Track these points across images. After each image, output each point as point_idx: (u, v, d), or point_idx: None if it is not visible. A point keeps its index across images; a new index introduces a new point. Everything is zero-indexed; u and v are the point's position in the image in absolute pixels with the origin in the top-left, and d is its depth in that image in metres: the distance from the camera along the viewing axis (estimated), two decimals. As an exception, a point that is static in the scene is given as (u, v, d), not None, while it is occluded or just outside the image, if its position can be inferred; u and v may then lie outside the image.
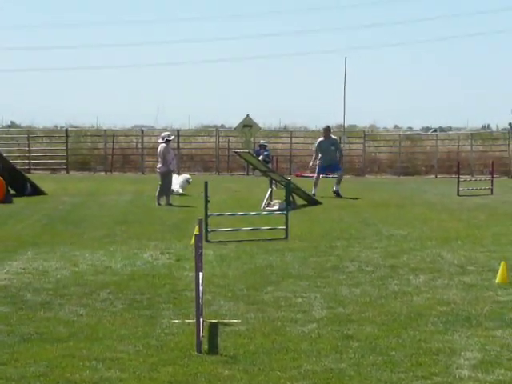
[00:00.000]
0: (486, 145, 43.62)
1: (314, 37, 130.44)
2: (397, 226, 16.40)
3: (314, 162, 25.65)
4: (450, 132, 52.39)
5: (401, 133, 48.92)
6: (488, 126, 69.56)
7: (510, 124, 66.70)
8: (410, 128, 65.97)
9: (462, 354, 7.01)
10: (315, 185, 24.74)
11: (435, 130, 56.04)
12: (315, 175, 25.21)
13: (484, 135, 47.11)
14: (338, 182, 25.06)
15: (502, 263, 10.46)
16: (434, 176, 39.73)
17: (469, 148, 41.75)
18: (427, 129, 63.84)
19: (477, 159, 40.95)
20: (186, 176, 25.76)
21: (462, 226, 16.73)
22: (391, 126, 64.78)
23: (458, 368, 6.60)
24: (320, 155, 25.16)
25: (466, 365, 6.68)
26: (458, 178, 26.68)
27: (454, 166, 33.26)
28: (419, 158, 42.85)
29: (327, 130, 26.01)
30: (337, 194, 24.67)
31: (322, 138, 25.54)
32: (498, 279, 10.32)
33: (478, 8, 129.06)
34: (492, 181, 27.14)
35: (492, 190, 26.53)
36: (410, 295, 9.55)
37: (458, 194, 25.65)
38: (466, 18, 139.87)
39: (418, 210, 20.44)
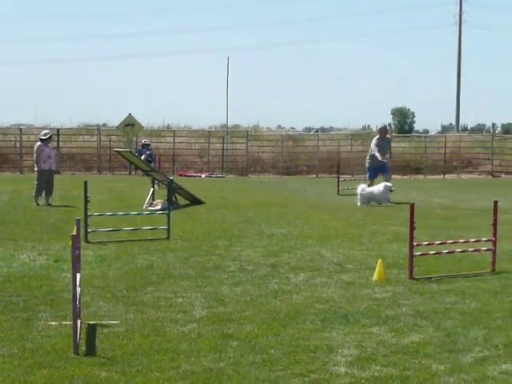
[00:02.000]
0: (365, 145, 44.45)
1: (197, 36, 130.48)
2: (278, 225, 16.55)
3: (382, 157, 23.48)
4: (332, 132, 53.23)
5: (283, 133, 49.38)
6: (368, 126, 71.01)
7: (389, 124, 68.23)
8: (293, 128, 66.75)
9: (339, 351, 7.12)
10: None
11: (317, 131, 56.82)
12: (368, 181, 23.44)
13: (364, 135, 48.03)
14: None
15: (379, 261, 10.67)
16: (315, 175, 40.31)
17: (349, 148, 42.51)
18: (309, 129, 64.73)
19: (356, 159, 41.71)
20: None
21: (342, 224, 17.01)
22: (274, 126, 65.31)
23: (335, 365, 6.69)
24: (371, 156, 23.67)
25: (343, 361, 6.78)
26: (338, 177, 27.17)
27: (334, 165, 33.77)
28: (301, 157, 43.41)
29: (385, 129, 24.43)
30: None
31: (378, 137, 23.78)
32: (375, 277, 10.52)
33: (353, 10, 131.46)
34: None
35: (371, 189, 27.05)
36: (290, 294, 9.64)
37: (338, 194, 26.09)
38: (349, 19, 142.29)
39: (300, 209, 20.67)
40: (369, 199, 21.84)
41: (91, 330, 7.75)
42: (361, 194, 21.97)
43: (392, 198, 22.87)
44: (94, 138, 41.84)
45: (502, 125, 79.56)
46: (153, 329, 7.86)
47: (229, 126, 44.64)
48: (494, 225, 11.29)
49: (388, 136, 24.50)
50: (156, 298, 9.33)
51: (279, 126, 68.49)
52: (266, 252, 12.85)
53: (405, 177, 40.60)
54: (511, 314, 8.55)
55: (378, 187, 22.03)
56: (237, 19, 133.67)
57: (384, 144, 23.81)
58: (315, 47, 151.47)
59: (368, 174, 24.04)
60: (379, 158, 23.46)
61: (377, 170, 23.81)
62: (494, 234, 11.29)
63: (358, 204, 21.71)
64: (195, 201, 21.75)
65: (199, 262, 11.81)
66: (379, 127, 25.20)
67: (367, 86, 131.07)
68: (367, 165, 24.13)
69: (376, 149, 23.41)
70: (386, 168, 23.58)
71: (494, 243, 11.27)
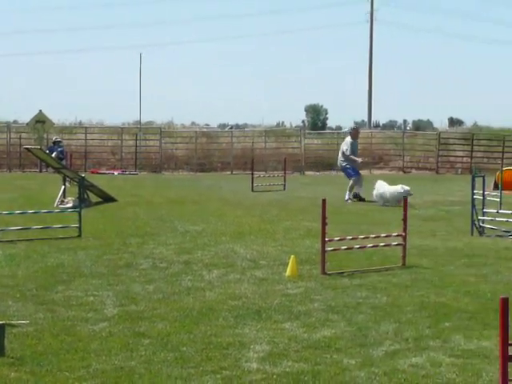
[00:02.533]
0: (279, 141, 44.76)
1: (109, 32, 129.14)
2: (192, 222, 16.49)
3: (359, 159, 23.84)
4: (246, 129, 53.37)
5: (197, 129, 49.31)
6: (282, 123, 71.44)
7: (302, 121, 68.74)
8: (208, 125, 66.65)
9: (252, 347, 7.12)
10: (361, 185, 23.16)
11: (231, 127, 56.89)
12: (351, 180, 23.06)
13: (278, 132, 48.31)
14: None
15: (292, 257, 10.72)
16: (229, 172, 40.36)
17: (263, 145, 42.69)
18: (224, 126, 64.74)
19: (270, 156, 41.93)
20: None
21: (255, 220, 17.05)
22: (189, 123, 65.13)
23: (247, 361, 6.69)
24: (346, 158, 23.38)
25: (255, 357, 6.79)
26: (252, 174, 27.26)
27: (249, 162, 33.87)
28: (215, 154, 43.41)
29: (357, 130, 24.52)
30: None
31: (350, 138, 23.59)
32: (287, 273, 10.57)
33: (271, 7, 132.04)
34: (285, 177, 27.91)
35: (285, 185, 27.27)
36: (203, 290, 9.61)
37: (252, 190, 26.18)
38: (264, 17, 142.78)
39: (214, 205, 20.66)
40: (383, 199, 20.80)
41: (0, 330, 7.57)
42: (375, 195, 21.06)
43: (306, 193, 23.02)
44: (4, 135, 41.07)
45: (413, 121, 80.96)
46: (63, 328, 7.73)
47: (142, 122, 44.33)
48: (404, 220, 11.46)
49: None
50: (66, 296, 9.19)
51: (193, 123, 68.35)
52: (180, 249, 12.79)
53: (317, 173, 40.99)
54: (421, 308, 8.68)
55: (392, 189, 20.90)
56: (149, 16, 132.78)
57: (356, 145, 23.96)
58: (229, 43, 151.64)
59: (348, 174, 23.32)
60: (358, 160, 23.63)
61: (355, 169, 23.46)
62: (404, 229, 11.46)
63: (380, 204, 20.76)
64: (108, 198, 21.53)
65: (111, 260, 11.68)
66: (352, 128, 24.97)
67: (281, 83, 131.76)
68: (344, 164, 23.43)
69: (350, 151, 23.28)
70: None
71: (404, 238, 11.44)
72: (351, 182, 23.00)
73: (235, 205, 21.03)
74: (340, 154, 23.69)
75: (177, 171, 41.32)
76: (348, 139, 23.61)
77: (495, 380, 5.90)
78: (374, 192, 21.33)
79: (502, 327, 4.39)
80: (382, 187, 21.20)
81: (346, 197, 22.62)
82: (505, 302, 4.40)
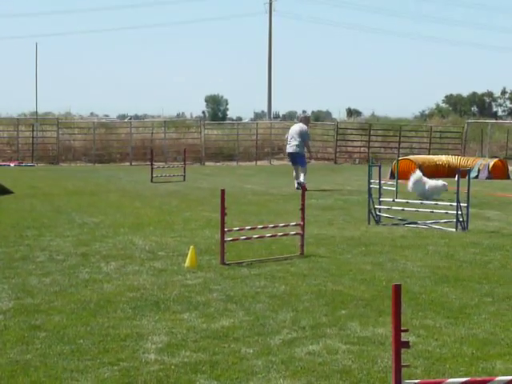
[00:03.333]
0: (179, 132, 44.60)
1: (3, 22, 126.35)
2: (90, 214, 16.30)
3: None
4: (145, 120, 53.00)
5: (95, 120, 48.70)
6: (183, 114, 71.27)
7: (203, 112, 68.71)
8: (107, 116, 66.00)
9: (150, 338, 7.08)
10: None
11: (131, 118, 56.42)
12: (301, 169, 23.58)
13: (177, 123, 48.14)
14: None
15: (191, 247, 10.70)
16: (129, 163, 40.04)
17: (163, 135, 42.47)
18: (124, 116, 64.19)
19: (170, 146, 41.77)
20: None
21: (155, 212, 16.97)
22: (88, 113, 64.33)
23: (145, 352, 6.65)
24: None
25: (153, 348, 6.75)
26: (152, 164, 27.12)
27: (148, 153, 33.64)
28: (114, 145, 42.99)
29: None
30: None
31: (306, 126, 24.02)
32: (186, 263, 10.54)
33: None
34: (184, 167, 27.86)
35: (184, 176, 27.22)
36: (101, 282, 9.50)
37: (151, 181, 26.05)
38: (162, 7, 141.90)
39: (112, 197, 20.46)
40: (421, 191, 20.00)
41: None
42: (412, 186, 20.28)
43: (206, 184, 23.00)
44: None
45: (313, 112, 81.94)
46: (-45, 323, 7.53)
47: (39, 113, 43.51)
48: (302, 209, 11.57)
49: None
50: (-40, 291, 8.95)
51: (92, 114, 67.57)
52: (77, 241, 12.62)
53: (218, 163, 41.04)
54: (318, 296, 8.79)
55: (433, 183, 20.20)
56: (45, 6, 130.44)
57: None
58: (128, 33, 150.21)
59: (302, 162, 23.67)
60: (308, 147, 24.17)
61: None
62: (302, 219, 11.58)
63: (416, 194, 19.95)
64: (3, 190, 21.06)
65: (6, 253, 11.44)
66: (305, 115, 25.68)
67: (181, 74, 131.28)
68: (301, 152, 23.71)
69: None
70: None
71: (303, 227, 11.56)
72: (302, 169, 23.35)
73: (134, 196, 20.88)
74: (294, 141, 23.63)
75: (75, 162, 40.78)
76: (304, 126, 23.79)
77: (389, 366, 6.02)
78: (411, 182, 20.52)
79: (395, 314, 4.47)
80: (422, 179, 20.49)
81: (303, 181, 22.91)
82: (397, 288, 4.48)
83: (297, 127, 23.90)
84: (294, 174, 23.88)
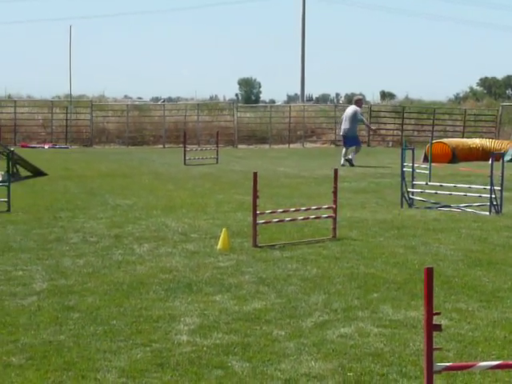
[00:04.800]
0: (212, 115, 44.58)
1: (38, 5, 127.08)
2: (123, 196, 16.39)
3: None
4: (179, 102, 53.04)
5: (129, 103, 48.85)
6: (216, 96, 71.28)
7: (236, 95, 68.68)
8: (140, 98, 66.09)
9: (182, 319, 7.12)
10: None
11: (164, 101, 56.49)
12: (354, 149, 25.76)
13: (210, 105, 48.10)
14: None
15: (224, 230, 10.72)
16: (162, 146, 40.14)
17: (196, 118, 42.50)
18: (157, 99, 64.27)
19: (203, 129, 41.78)
20: None
21: (187, 194, 17.01)
22: (121, 96, 64.53)
23: (177, 334, 6.68)
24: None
25: (185, 330, 6.79)
26: (185, 147, 27.14)
27: (181, 135, 33.68)
28: (147, 128, 43.10)
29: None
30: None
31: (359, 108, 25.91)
32: (219, 246, 10.56)
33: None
34: (217, 150, 27.85)
35: (217, 159, 27.24)
36: (134, 264, 9.56)
37: (184, 164, 26.09)
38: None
39: (145, 179, 20.55)
40: None
41: None
42: None
43: (239, 167, 22.98)
44: None
45: (346, 95, 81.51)
46: (-10, 303, 7.63)
47: (73, 96, 43.72)
48: (335, 192, 11.54)
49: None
50: (-5, 271, 9.06)
51: (126, 96, 67.78)
52: (110, 223, 12.69)
53: (250, 146, 41.03)
54: (350, 279, 8.78)
55: None
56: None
57: None
58: (161, 16, 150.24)
59: (357, 142, 25.91)
60: (372, 127, 29.77)
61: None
62: (335, 202, 11.55)
63: None
64: (38, 172, 21.25)
65: (40, 235, 11.54)
66: (359, 98, 27.34)
67: (214, 57, 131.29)
68: (355, 133, 25.68)
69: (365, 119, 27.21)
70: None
71: (335, 210, 11.53)
72: (352, 149, 25.33)
73: (167, 179, 20.94)
74: (344, 123, 25.38)
75: (108, 145, 40.94)
76: (357, 108, 25.43)
77: (421, 349, 6.00)
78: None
79: (427, 297, 4.46)
80: None
81: (351, 158, 25.13)
82: (430, 272, 4.47)
83: (349, 110, 25.66)
84: (343, 151, 25.47)
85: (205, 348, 6.31)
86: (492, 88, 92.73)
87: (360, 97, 28.43)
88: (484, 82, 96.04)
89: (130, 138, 41.23)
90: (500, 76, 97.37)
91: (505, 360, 5.87)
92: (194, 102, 47.44)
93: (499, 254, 10.26)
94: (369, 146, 41.22)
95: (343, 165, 24.31)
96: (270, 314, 7.33)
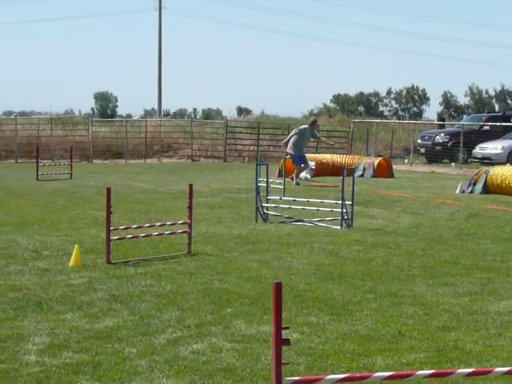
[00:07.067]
0: (66, 129, 43.86)
1: None
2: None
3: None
4: (32, 117, 51.93)
5: (-20, 116, 47.43)
6: (71, 110, 70.21)
7: (92, 109, 67.91)
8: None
9: (31, 339, 6.94)
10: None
11: (16, 115, 55.19)
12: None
13: (65, 120, 47.35)
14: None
15: (76, 246, 10.53)
16: (14, 161, 39.15)
17: (49, 132, 41.69)
18: (10, 113, 62.73)
19: (57, 144, 41.00)
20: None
21: (40, 210, 16.64)
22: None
23: (26, 354, 6.51)
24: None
25: (34, 350, 6.62)
26: (37, 162, 26.59)
27: (34, 150, 32.94)
28: (-1, 142, 41.95)
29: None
30: None
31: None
32: (71, 263, 10.37)
33: None
34: (71, 165, 27.39)
35: (71, 174, 26.78)
36: (-18, 283, 9.25)
37: (37, 179, 25.53)
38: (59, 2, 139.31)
39: (-4, 195, 19.97)
40: None
41: None
42: None
43: (94, 182, 22.65)
44: None
45: (203, 110, 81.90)
46: None
47: None
48: (190, 207, 11.55)
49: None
50: None
51: (-24, 110, 65.82)
52: (-42, 240, 12.25)
53: (106, 161, 40.56)
54: (204, 295, 8.78)
55: None
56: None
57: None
58: (20, 27, 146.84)
59: (304, 161, 25.74)
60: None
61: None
62: (190, 217, 11.55)
63: None
64: None
65: None
66: (313, 120, 27.73)
67: (70, 70, 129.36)
68: (302, 154, 25.70)
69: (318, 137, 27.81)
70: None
71: (190, 226, 11.53)
72: (300, 168, 25.49)
73: (19, 194, 20.44)
74: (290, 143, 25.44)
75: (-42, 159, 39.63)
76: (305, 128, 25.79)
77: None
78: None
79: (276, 312, 4.50)
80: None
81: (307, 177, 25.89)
82: (278, 286, 4.52)
83: (302, 129, 25.99)
84: (295, 171, 25.62)
85: (54, 368, 6.16)
86: (345, 105, 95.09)
87: (316, 118, 29.90)
88: (337, 98, 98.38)
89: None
90: (352, 93, 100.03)
91: (353, 372, 5.99)
92: (47, 117, 46.51)
93: (350, 268, 10.51)
94: (225, 161, 41.51)
95: (297, 183, 24.60)
96: (122, 331, 7.24)
